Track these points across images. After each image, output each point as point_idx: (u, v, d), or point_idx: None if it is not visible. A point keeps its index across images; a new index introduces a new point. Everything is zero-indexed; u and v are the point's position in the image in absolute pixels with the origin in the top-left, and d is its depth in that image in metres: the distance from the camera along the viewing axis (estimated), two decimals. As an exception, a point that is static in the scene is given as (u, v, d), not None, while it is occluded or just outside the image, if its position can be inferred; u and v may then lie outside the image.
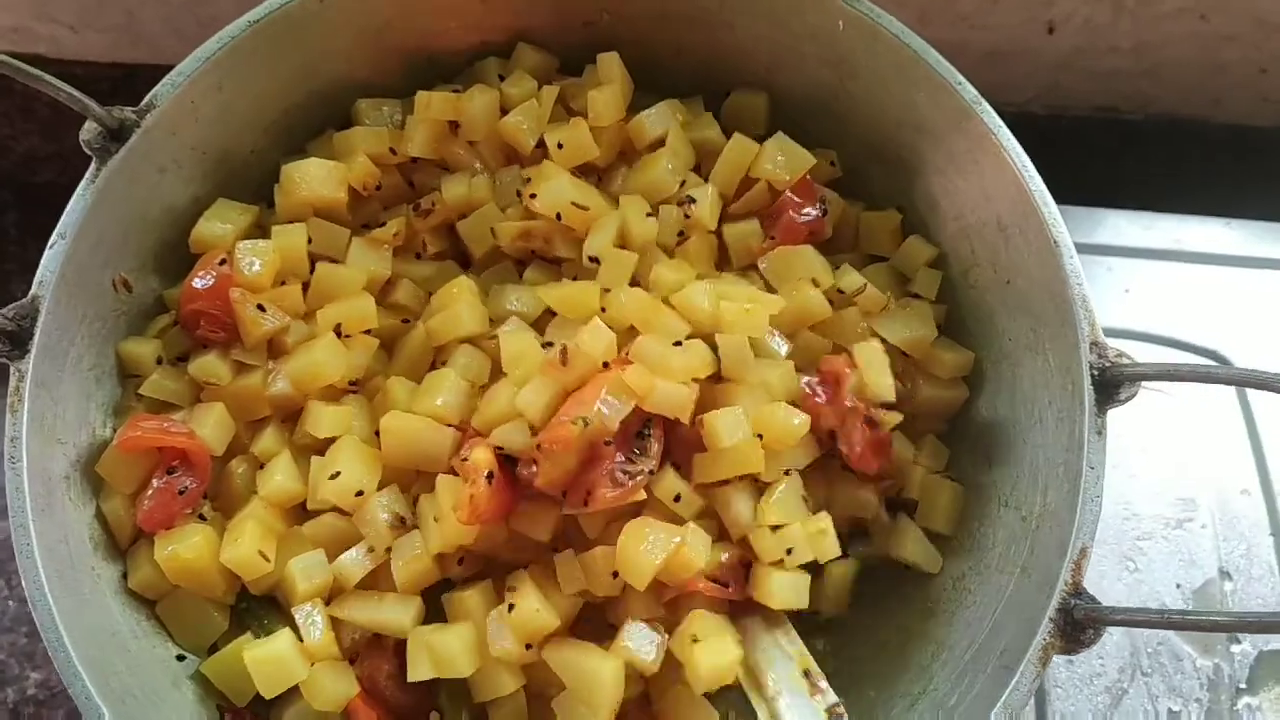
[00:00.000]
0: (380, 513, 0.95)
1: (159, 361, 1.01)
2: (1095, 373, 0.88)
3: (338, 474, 0.94)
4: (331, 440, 0.97)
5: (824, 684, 0.92)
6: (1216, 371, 0.85)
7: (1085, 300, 0.91)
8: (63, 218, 0.93)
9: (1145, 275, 1.34)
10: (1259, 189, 1.47)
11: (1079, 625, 0.83)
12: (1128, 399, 0.88)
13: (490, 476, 0.89)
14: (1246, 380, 0.84)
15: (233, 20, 0.99)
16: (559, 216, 1.03)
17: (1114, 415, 0.88)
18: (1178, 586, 1.17)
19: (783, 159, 1.06)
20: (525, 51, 1.12)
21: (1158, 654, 1.14)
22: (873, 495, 1.02)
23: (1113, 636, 1.15)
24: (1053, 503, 0.90)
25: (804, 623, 0.99)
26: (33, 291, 0.90)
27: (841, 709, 0.90)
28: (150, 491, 0.94)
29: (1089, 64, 1.50)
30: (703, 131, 1.10)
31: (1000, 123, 0.96)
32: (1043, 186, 0.94)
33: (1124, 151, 1.60)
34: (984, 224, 1.00)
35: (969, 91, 0.96)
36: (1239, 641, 1.15)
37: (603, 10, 1.10)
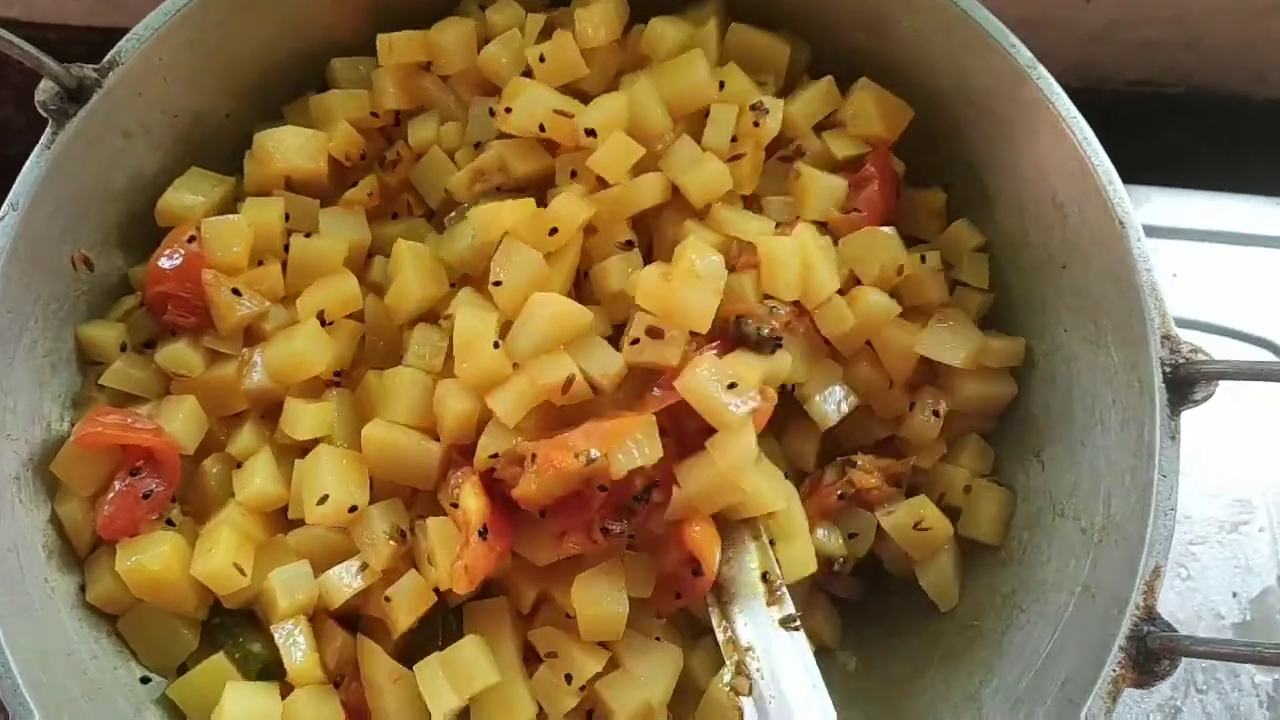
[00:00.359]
0: (379, 527, 0.86)
1: (123, 348, 0.92)
2: (1167, 370, 0.79)
3: (325, 497, 0.84)
4: (314, 442, 0.88)
5: (784, 592, 0.86)
6: (1308, 370, 0.76)
7: (1155, 288, 0.82)
8: (15, 186, 0.84)
9: (1193, 258, 1.25)
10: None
11: (1153, 655, 0.74)
12: (1204, 399, 0.80)
13: (484, 533, 0.81)
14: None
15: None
16: (542, 129, 0.92)
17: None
18: (1234, 595, 1.09)
19: (876, 110, 0.96)
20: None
21: (1214, 669, 1.06)
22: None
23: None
24: (1118, 514, 0.81)
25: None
26: (-23, 269, 0.81)
27: (798, 623, 0.85)
28: (111, 494, 0.85)
29: (1126, 35, 1.41)
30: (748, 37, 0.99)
31: (1058, 89, 0.87)
32: (1106, 160, 0.85)
33: (1163, 127, 1.51)
34: (1038, 202, 0.91)
35: (1023, 54, 0.87)
36: (1300, 655, 1.06)
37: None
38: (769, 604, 0.85)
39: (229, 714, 0.81)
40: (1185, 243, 1.26)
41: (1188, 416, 1.06)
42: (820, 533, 0.94)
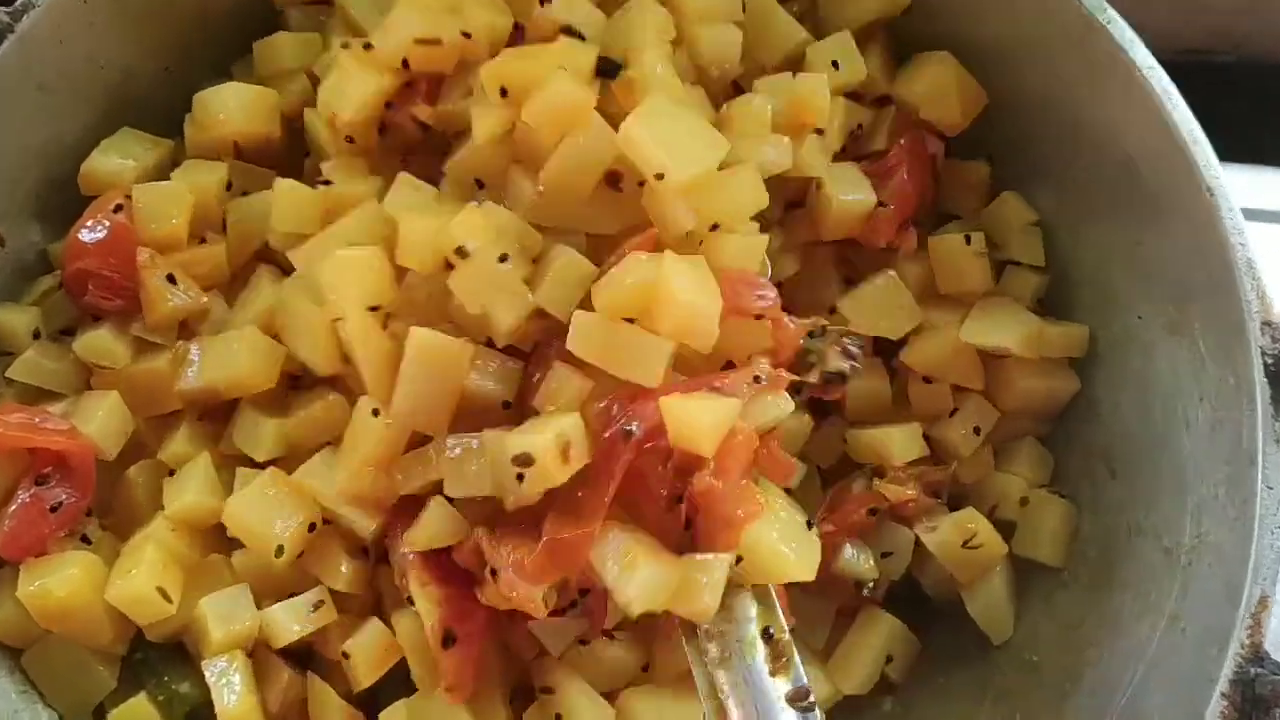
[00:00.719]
0: (340, 562, 0.74)
1: (36, 335, 0.80)
2: (1269, 361, 0.67)
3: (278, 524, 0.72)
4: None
5: (793, 657, 0.67)
6: None
7: (1251, 265, 0.70)
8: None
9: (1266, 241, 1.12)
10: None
11: (1263, 702, 0.61)
12: (1315, 397, 0.67)
13: (449, 641, 0.69)
14: None
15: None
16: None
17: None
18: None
19: (954, 98, 0.85)
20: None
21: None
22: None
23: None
24: (1211, 532, 0.68)
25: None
26: None
27: (813, 703, 0.66)
28: (14, 506, 0.73)
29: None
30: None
31: (1133, 37, 0.75)
32: (1190, 116, 0.74)
33: (1217, 98, 1.40)
34: (1105, 166, 0.79)
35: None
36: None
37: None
38: (772, 672, 0.67)
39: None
40: (1256, 224, 1.13)
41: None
42: (848, 552, 0.81)
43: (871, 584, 0.82)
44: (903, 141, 0.85)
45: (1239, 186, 1.14)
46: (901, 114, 0.86)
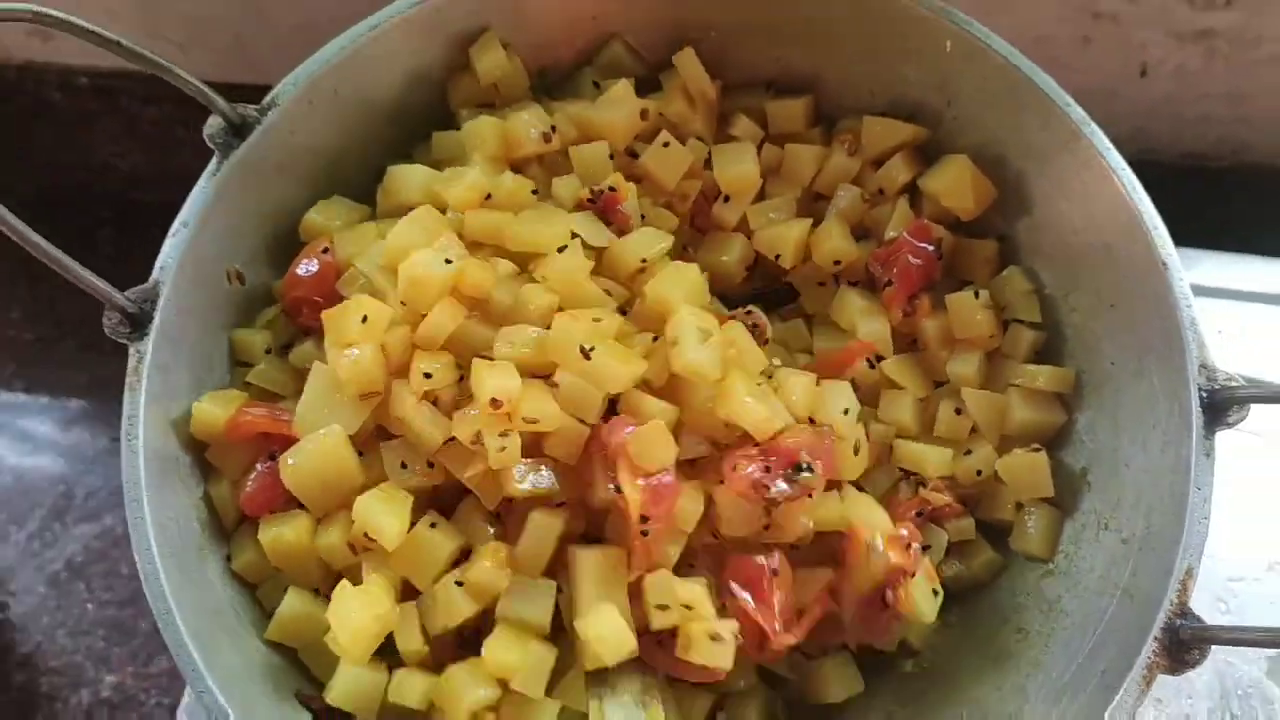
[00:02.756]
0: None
1: (267, 351, 1.03)
2: (1204, 395, 0.88)
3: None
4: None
5: None
6: (1330, 395, 0.84)
7: (1194, 322, 0.91)
8: (184, 207, 0.96)
9: (1238, 317, 1.33)
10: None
11: (1184, 645, 0.82)
12: (1237, 422, 0.88)
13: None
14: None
15: (339, 42, 1.03)
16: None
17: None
18: (1271, 629, 1.15)
19: (969, 192, 1.08)
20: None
21: (1248, 696, 1.12)
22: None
23: (1203, 677, 1.13)
24: (1156, 525, 0.89)
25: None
26: (154, 276, 0.93)
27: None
28: (253, 475, 0.96)
29: (1179, 109, 1.50)
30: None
31: (1109, 143, 0.97)
32: (1151, 206, 0.95)
33: (1212, 198, 1.59)
34: (1088, 246, 1.00)
35: (1077, 112, 0.98)
36: (1334, 687, 1.12)
37: (709, 28, 1.12)
38: None
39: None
40: (1231, 302, 1.34)
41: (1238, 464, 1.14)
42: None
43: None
44: (907, 232, 1.06)
45: (1231, 273, 1.36)
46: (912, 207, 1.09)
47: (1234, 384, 0.88)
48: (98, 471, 1.58)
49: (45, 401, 1.63)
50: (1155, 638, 0.82)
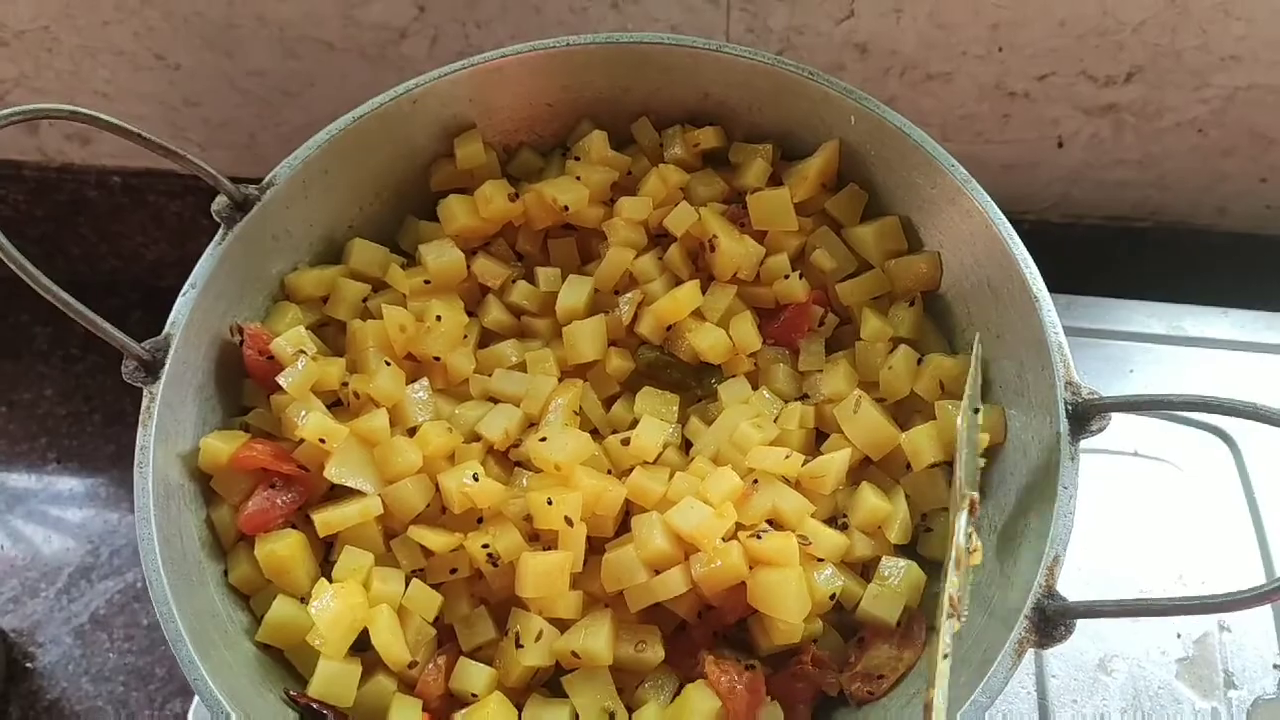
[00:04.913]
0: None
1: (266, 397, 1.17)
2: (1069, 407, 1.01)
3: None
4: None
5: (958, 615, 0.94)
6: (1172, 398, 0.96)
7: (1061, 346, 1.03)
8: (194, 272, 1.11)
9: (1148, 358, 1.46)
10: (1262, 286, 1.59)
11: (1051, 621, 0.93)
12: (1099, 430, 1.00)
13: None
14: (1198, 405, 0.95)
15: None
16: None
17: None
18: (1178, 636, 1.26)
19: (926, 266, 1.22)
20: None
21: (1159, 696, 1.22)
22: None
23: (1117, 680, 1.24)
24: (1032, 522, 1.01)
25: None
26: (166, 330, 1.08)
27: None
28: (253, 500, 1.09)
29: (1098, 175, 1.65)
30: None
31: (988, 198, 1.11)
32: (1024, 250, 1.08)
33: (1135, 256, 1.73)
34: (976, 286, 1.14)
35: (959, 172, 1.12)
36: (1236, 688, 1.22)
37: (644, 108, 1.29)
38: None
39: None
40: (1142, 344, 1.47)
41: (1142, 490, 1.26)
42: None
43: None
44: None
45: (1152, 320, 1.49)
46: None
47: (1094, 397, 1.00)
48: (121, 532, 1.73)
49: (75, 468, 1.79)
50: (1026, 615, 0.94)
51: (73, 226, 1.88)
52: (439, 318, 1.17)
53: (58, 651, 1.63)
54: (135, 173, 1.80)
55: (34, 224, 1.88)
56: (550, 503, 1.04)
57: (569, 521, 1.03)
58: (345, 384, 1.15)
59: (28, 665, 1.61)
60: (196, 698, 1.18)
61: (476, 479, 1.07)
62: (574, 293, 1.22)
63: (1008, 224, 1.10)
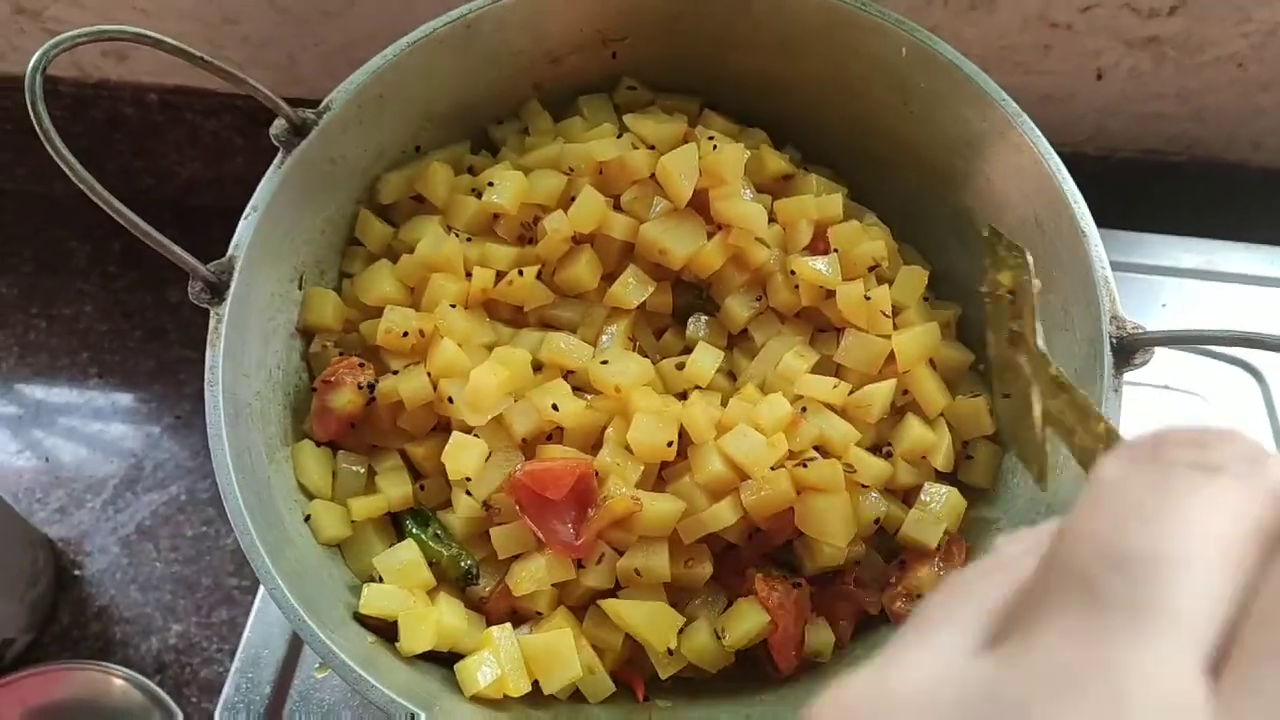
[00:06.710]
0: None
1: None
2: (1114, 341, 1.03)
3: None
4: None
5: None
6: (1216, 333, 0.98)
7: (1108, 281, 1.06)
8: (255, 195, 1.13)
9: (1181, 292, 1.48)
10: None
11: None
12: (1142, 363, 1.03)
13: None
14: (1239, 340, 0.97)
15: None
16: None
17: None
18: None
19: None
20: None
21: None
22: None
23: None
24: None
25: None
26: (230, 251, 1.11)
27: None
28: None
29: (1135, 108, 1.65)
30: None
31: (1038, 132, 1.12)
32: (1073, 185, 1.10)
33: (1168, 190, 1.75)
34: (1023, 221, 1.16)
35: (1010, 106, 1.13)
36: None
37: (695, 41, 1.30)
38: None
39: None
40: (1175, 279, 1.50)
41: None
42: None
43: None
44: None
45: (1185, 255, 1.52)
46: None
47: (1139, 332, 1.03)
48: (164, 446, 1.76)
49: (116, 383, 1.82)
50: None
51: (109, 143, 1.88)
52: (520, 272, 1.18)
53: (105, 560, 1.67)
54: (171, 89, 1.80)
55: (71, 139, 1.84)
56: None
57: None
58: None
59: (75, 573, 1.65)
60: (255, 607, 1.23)
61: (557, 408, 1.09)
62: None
63: (1057, 158, 1.11)
